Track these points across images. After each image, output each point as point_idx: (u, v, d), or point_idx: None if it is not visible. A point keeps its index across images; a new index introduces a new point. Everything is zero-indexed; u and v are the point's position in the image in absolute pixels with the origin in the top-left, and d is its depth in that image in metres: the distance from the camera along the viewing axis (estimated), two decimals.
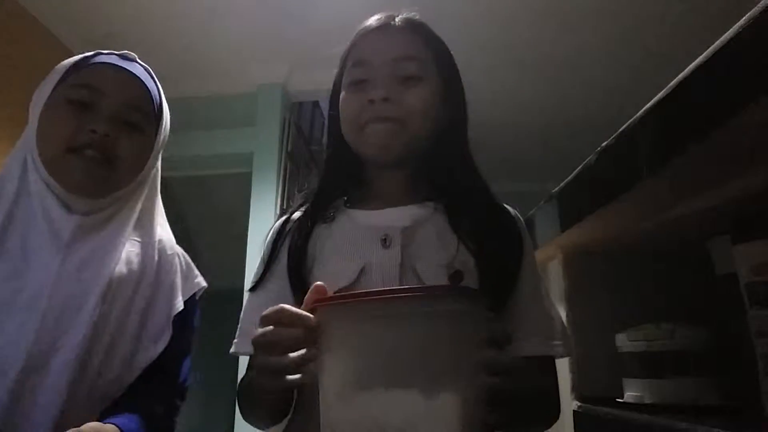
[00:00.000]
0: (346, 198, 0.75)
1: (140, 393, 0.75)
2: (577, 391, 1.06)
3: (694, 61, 0.56)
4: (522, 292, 0.70)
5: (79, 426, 0.62)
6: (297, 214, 0.76)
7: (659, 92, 0.64)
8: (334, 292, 0.63)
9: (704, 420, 0.68)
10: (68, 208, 0.74)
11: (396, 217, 0.70)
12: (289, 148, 2.77)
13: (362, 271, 0.65)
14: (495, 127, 3.45)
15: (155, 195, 0.85)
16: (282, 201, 2.66)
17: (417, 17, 0.76)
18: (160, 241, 0.83)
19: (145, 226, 0.82)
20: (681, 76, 0.59)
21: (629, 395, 0.94)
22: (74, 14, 2.38)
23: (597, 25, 2.48)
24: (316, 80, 2.78)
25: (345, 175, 0.76)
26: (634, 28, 2.48)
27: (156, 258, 0.81)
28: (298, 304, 0.59)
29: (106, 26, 2.46)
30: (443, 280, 0.64)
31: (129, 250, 0.78)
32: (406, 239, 0.67)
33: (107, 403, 0.73)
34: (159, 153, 0.83)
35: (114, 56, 0.79)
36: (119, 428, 0.65)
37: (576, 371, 1.06)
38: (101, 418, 0.68)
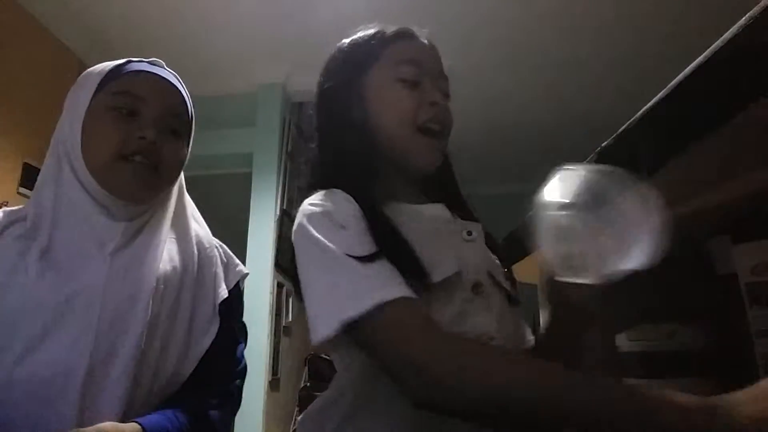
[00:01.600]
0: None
1: (194, 383, 0.77)
2: None
3: (694, 61, 0.56)
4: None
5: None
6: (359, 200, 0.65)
7: (659, 92, 0.64)
8: (443, 279, 0.59)
9: None
10: (111, 215, 0.76)
11: (446, 211, 0.70)
12: (289, 148, 2.77)
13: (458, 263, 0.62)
14: (495, 128, 3.45)
15: (183, 193, 0.88)
16: (282, 201, 2.66)
17: None
18: (196, 236, 0.86)
19: (180, 225, 0.85)
20: (681, 76, 0.59)
21: None
22: (75, 15, 2.38)
23: (596, 27, 2.48)
24: (316, 80, 2.78)
25: (365, 166, 0.71)
26: (633, 28, 2.48)
27: (196, 252, 0.83)
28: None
29: (107, 27, 2.46)
30: (501, 273, 0.69)
31: (169, 248, 0.80)
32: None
33: (166, 397, 0.75)
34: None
35: (144, 63, 0.80)
36: (141, 426, 0.66)
37: None
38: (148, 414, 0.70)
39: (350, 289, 0.55)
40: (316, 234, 0.61)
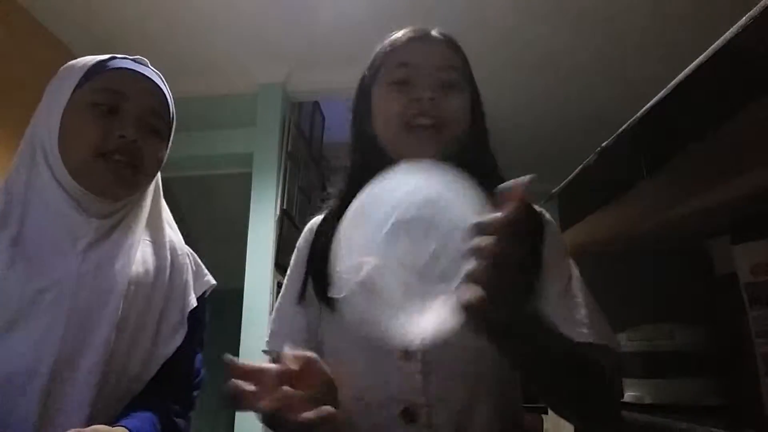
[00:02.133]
0: None
1: (157, 389, 0.77)
2: None
3: (694, 60, 0.56)
4: (549, 293, 0.68)
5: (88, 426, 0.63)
6: (321, 218, 0.77)
7: (659, 92, 0.64)
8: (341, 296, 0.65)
9: (704, 420, 0.68)
10: (85, 211, 0.75)
11: None
12: (289, 148, 2.77)
13: None
14: (495, 128, 3.44)
15: (160, 196, 0.88)
16: (282, 201, 2.66)
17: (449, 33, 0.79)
18: (170, 241, 0.85)
19: (155, 228, 0.84)
20: (681, 76, 0.59)
21: (629, 395, 0.94)
22: (74, 14, 2.38)
23: (596, 26, 2.48)
24: (316, 80, 2.78)
25: (372, 175, 0.76)
26: (634, 28, 2.48)
27: (169, 258, 0.83)
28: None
29: (107, 26, 2.46)
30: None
31: (143, 250, 0.80)
32: None
33: (129, 399, 0.75)
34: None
35: (128, 61, 0.80)
36: (129, 430, 0.65)
37: None
38: (120, 416, 0.69)
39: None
40: None
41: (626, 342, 0.96)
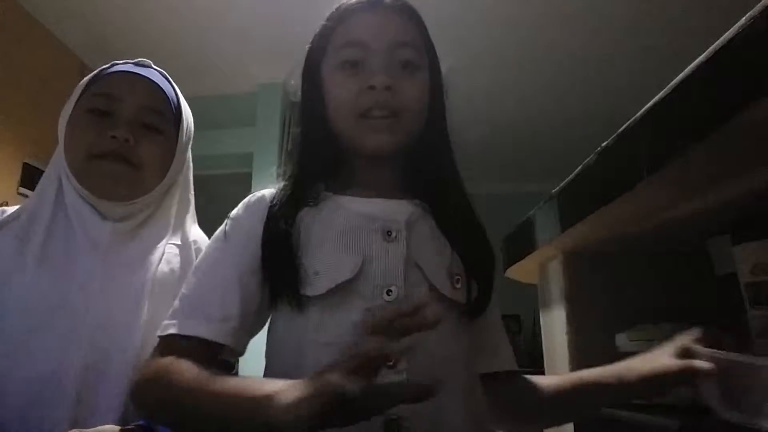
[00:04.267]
0: (325, 184, 0.69)
1: None
2: None
3: (694, 61, 0.56)
4: (495, 307, 0.74)
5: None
6: (276, 199, 0.68)
7: (659, 92, 0.64)
8: (334, 286, 0.59)
9: (704, 420, 0.68)
10: (102, 215, 0.77)
11: (394, 209, 0.67)
12: (289, 148, 2.77)
13: (363, 264, 0.61)
14: (495, 128, 3.44)
15: (188, 194, 0.88)
16: None
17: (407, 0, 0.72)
18: (195, 242, 0.86)
19: (180, 229, 0.85)
20: (681, 76, 0.59)
21: None
22: (75, 15, 2.38)
23: (597, 26, 2.48)
24: None
25: (324, 158, 0.71)
26: (634, 28, 2.48)
27: (193, 258, 0.83)
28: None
29: (107, 27, 2.46)
30: (446, 280, 0.64)
31: (169, 252, 0.81)
32: (409, 233, 0.64)
33: None
34: (185, 153, 0.86)
35: (129, 64, 0.81)
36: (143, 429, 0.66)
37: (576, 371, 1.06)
38: None
39: (174, 306, 0.64)
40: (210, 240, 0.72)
41: (626, 342, 0.96)
